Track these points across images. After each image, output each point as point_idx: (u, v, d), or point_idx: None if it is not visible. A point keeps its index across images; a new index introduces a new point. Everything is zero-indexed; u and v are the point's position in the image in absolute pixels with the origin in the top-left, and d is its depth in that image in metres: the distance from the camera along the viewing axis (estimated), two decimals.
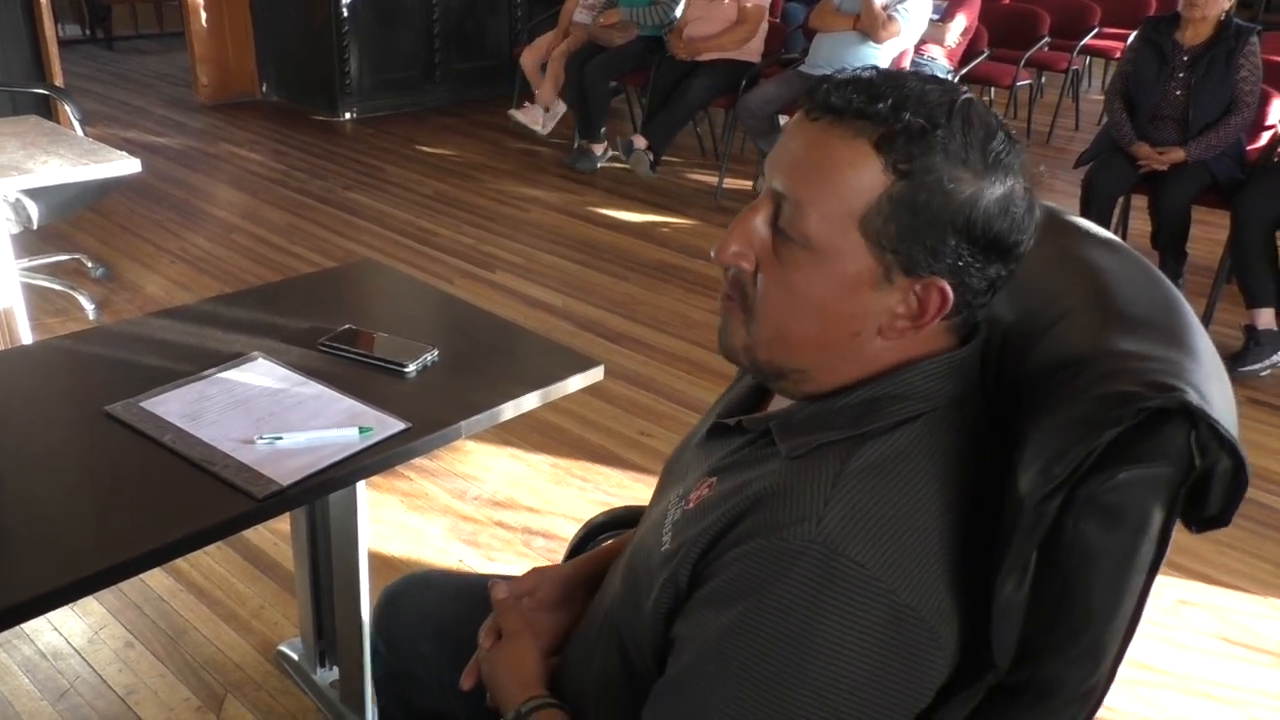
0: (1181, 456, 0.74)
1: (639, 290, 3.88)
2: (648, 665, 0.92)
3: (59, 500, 1.22)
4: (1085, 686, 0.81)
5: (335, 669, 1.95)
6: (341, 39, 6.11)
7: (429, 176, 5.22)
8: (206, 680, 1.98)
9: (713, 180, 5.12)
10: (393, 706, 1.40)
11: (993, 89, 6.13)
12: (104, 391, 1.39)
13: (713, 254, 0.88)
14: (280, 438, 1.30)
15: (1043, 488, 0.75)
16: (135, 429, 1.32)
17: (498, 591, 1.12)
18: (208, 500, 1.20)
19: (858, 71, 0.84)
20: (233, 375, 1.46)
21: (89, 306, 3.50)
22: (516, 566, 2.29)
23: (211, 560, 2.29)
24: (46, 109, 4.49)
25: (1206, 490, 0.76)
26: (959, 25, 4.89)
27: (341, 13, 6.03)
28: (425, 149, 5.74)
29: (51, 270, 3.74)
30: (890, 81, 0.81)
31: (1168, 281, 0.93)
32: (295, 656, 2.02)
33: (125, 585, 2.17)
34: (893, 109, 0.79)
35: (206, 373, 1.46)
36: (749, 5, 5.02)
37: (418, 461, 2.61)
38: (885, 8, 4.48)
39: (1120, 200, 3.88)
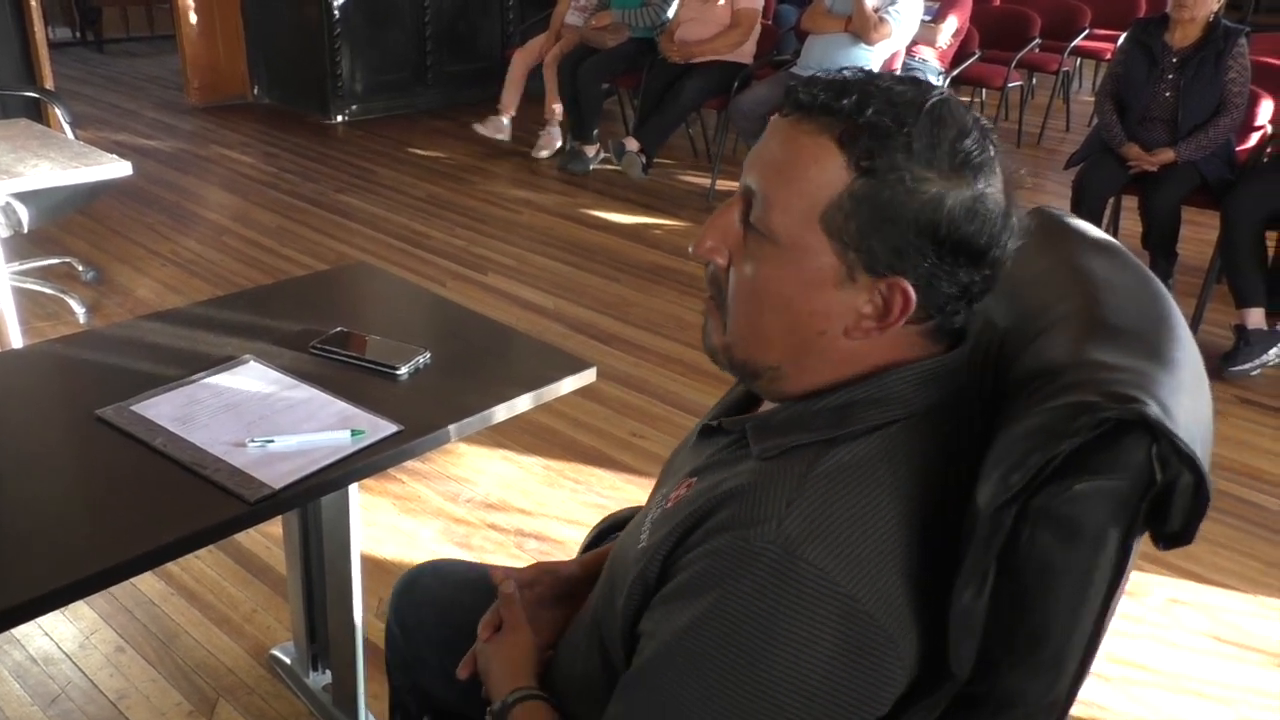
0: (1141, 470, 0.73)
1: (631, 292, 3.88)
2: (621, 661, 0.92)
3: (50, 504, 1.21)
4: (1046, 700, 0.81)
5: (328, 673, 1.95)
6: (333, 41, 6.10)
7: (421, 179, 5.22)
8: (198, 684, 1.98)
9: (705, 182, 5.13)
10: (404, 690, 1.41)
11: (984, 90, 6.14)
12: (95, 395, 1.38)
13: (691, 249, 0.89)
14: (272, 441, 1.30)
15: (999, 497, 0.75)
16: (126, 433, 1.31)
17: (505, 586, 1.13)
18: (199, 504, 1.20)
19: (836, 72, 0.84)
20: (224, 379, 1.45)
21: (80, 310, 3.48)
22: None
23: (203, 564, 2.28)
24: (37, 112, 4.48)
25: (1169, 505, 0.74)
26: (950, 26, 4.90)
27: (333, 14, 6.02)
28: (417, 151, 5.74)
29: (42, 274, 3.73)
30: (860, 80, 0.82)
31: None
32: (288, 660, 2.02)
33: (116, 589, 2.16)
34: (857, 106, 0.79)
35: (198, 376, 1.45)
36: (742, 9, 5.03)
37: (410, 464, 2.61)
38: (877, 10, 4.49)
39: (1111, 201, 3.90)
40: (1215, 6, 3.52)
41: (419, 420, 1.37)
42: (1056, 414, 0.75)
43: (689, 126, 5.66)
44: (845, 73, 0.84)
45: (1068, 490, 0.74)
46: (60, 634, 2.08)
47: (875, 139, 0.79)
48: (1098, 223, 3.66)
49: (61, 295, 3.55)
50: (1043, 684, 0.80)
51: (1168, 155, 3.54)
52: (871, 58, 4.55)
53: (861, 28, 4.49)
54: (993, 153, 0.81)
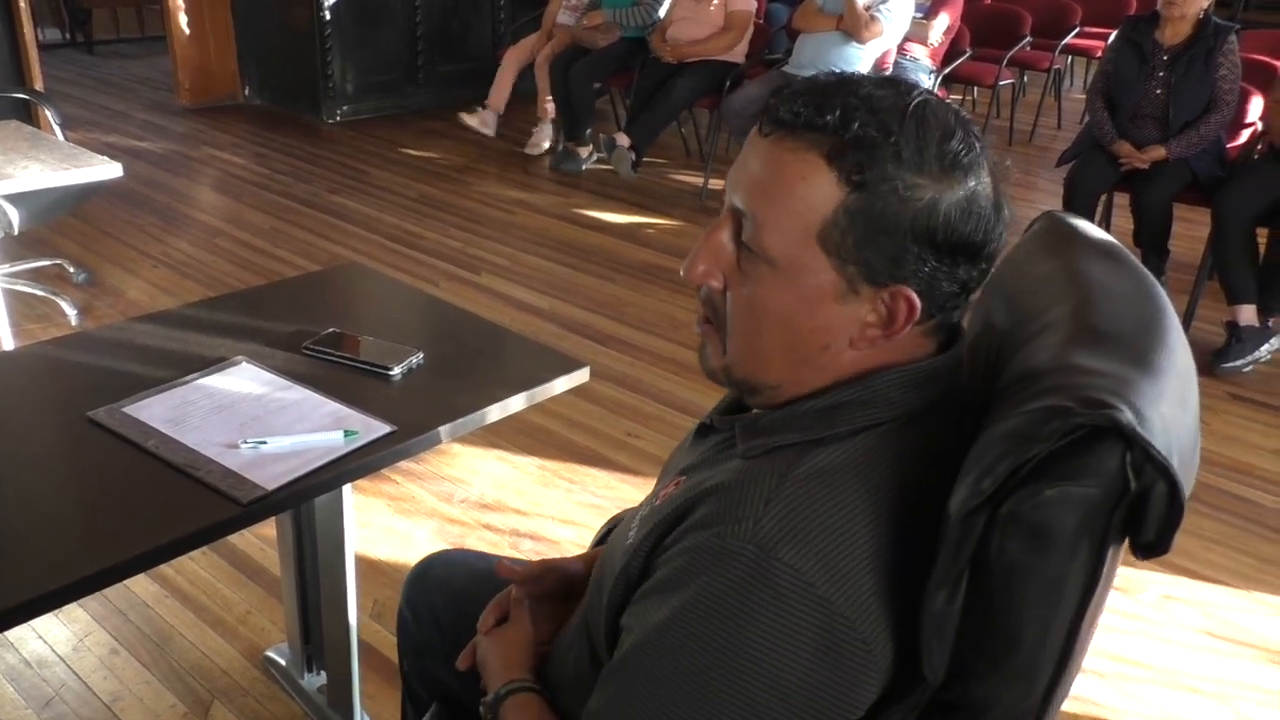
0: (1114, 477, 0.72)
1: (625, 291, 3.88)
2: (606, 656, 0.93)
3: (42, 506, 1.21)
4: (1022, 706, 0.80)
5: (322, 674, 1.94)
6: (324, 41, 6.08)
7: (414, 179, 5.21)
8: (192, 686, 1.97)
9: (698, 181, 5.13)
10: (414, 676, 1.42)
11: (975, 88, 6.16)
12: (87, 397, 1.38)
13: (682, 273, 0.88)
14: (265, 442, 1.29)
15: (970, 502, 0.74)
16: (118, 434, 1.31)
17: (514, 579, 1.15)
18: (192, 505, 1.20)
19: (813, 79, 0.83)
20: (216, 380, 1.45)
21: (71, 312, 3.47)
22: None
23: (197, 566, 2.28)
24: (26, 114, 4.46)
25: (1144, 514, 0.73)
26: (942, 23, 4.90)
27: (324, 15, 6.01)
28: (410, 152, 5.73)
29: (33, 276, 3.71)
30: (840, 89, 0.80)
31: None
32: (282, 662, 2.01)
33: (110, 591, 2.16)
34: (841, 120, 0.78)
35: (190, 377, 1.45)
36: (736, 10, 5.03)
37: (404, 465, 2.61)
38: (868, 8, 4.50)
39: (1102, 198, 3.91)
40: (1205, 4, 3.53)
41: (412, 421, 1.37)
42: (1029, 418, 0.74)
43: (681, 126, 5.67)
44: (820, 78, 0.82)
45: (1037, 496, 0.73)
46: (54, 637, 2.08)
47: (863, 152, 0.78)
48: (1089, 220, 3.67)
49: (53, 297, 3.53)
50: (1017, 691, 0.79)
51: (1159, 152, 3.55)
52: (863, 56, 4.56)
53: (853, 26, 4.49)
54: (978, 148, 0.81)
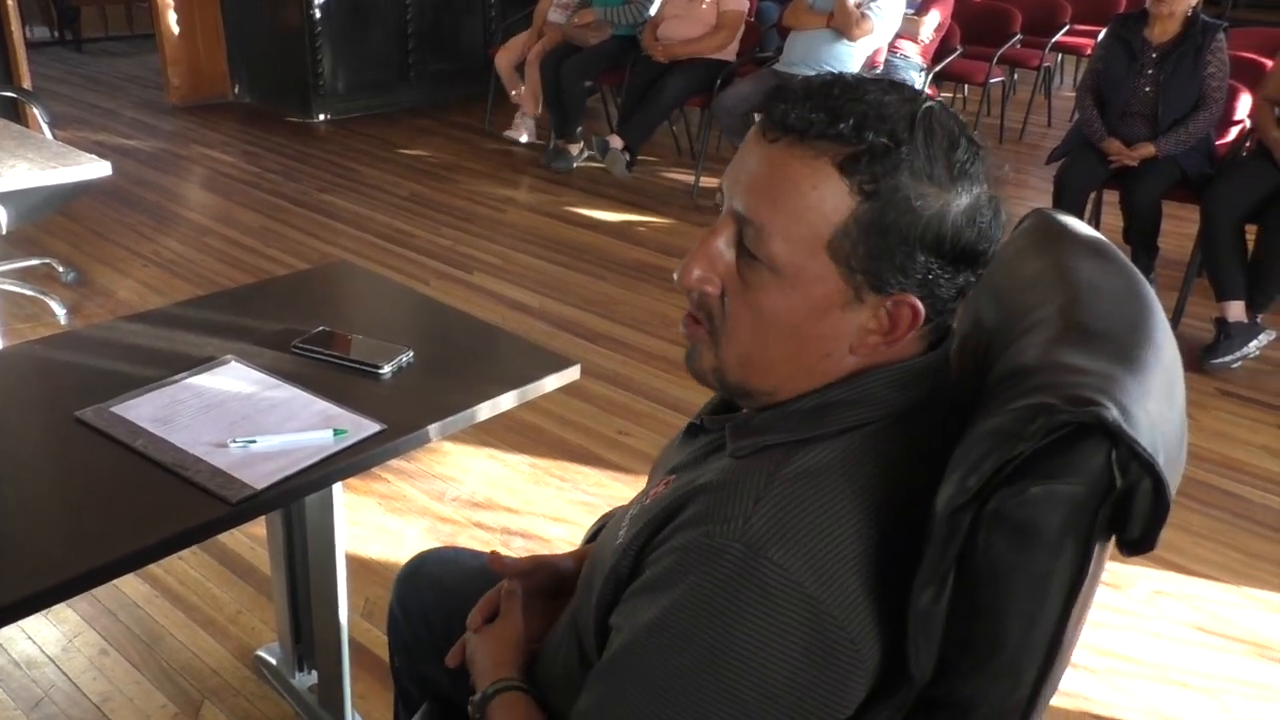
0: (1099, 475, 0.72)
1: (616, 290, 3.88)
2: (595, 655, 0.93)
3: (30, 506, 1.20)
4: (1008, 703, 0.80)
5: (314, 673, 1.94)
6: (314, 39, 6.07)
7: (404, 178, 5.20)
8: (183, 686, 1.97)
9: (689, 179, 5.13)
10: (405, 674, 1.42)
11: (966, 86, 6.17)
12: (75, 397, 1.37)
13: (675, 278, 0.87)
14: (254, 441, 1.29)
15: (955, 500, 0.74)
16: (106, 434, 1.30)
17: (506, 571, 1.14)
18: (181, 505, 1.19)
19: (812, 82, 0.82)
20: (205, 379, 1.45)
21: (60, 311, 3.46)
22: None
23: (186, 565, 2.27)
24: (14, 112, 4.44)
25: (1129, 511, 0.73)
26: (933, 20, 4.91)
27: (314, 13, 5.99)
28: (400, 150, 5.71)
29: (21, 275, 3.69)
30: (849, 96, 0.79)
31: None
32: (273, 661, 2.01)
33: (99, 592, 2.15)
34: (855, 129, 0.77)
35: (179, 377, 1.44)
36: (728, 10, 5.03)
37: (395, 463, 2.60)
38: (859, 5, 4.50)
39: (1092, 196, 3.92)
40: (1194, 2, 3.54)
41: (402, 419, 1.36)
42: (1014, 416, 0.74)
43: (672, 124, 5.66)
44: (820, 81, 0.81)
45: (1022, 494, 0.73)
46: (43, 637, 2.07)
47: (877, 162, 0.77)
48: (1079, 217, 3.68)
49: (41, 296, 3.52)
50: (1002, 688, 0.79)
51: (1148, 150, 3.56)
52: (854, 54, 4.56)
53: (844, 24, 4.49)
54: (980, 155, 0.81)
